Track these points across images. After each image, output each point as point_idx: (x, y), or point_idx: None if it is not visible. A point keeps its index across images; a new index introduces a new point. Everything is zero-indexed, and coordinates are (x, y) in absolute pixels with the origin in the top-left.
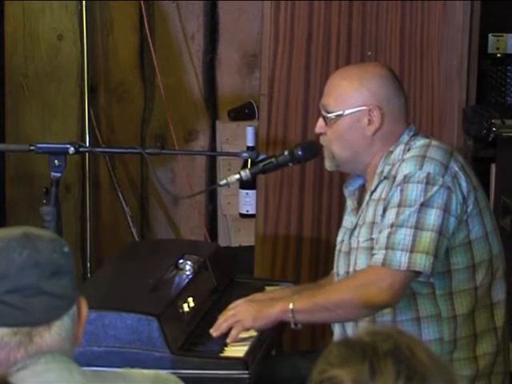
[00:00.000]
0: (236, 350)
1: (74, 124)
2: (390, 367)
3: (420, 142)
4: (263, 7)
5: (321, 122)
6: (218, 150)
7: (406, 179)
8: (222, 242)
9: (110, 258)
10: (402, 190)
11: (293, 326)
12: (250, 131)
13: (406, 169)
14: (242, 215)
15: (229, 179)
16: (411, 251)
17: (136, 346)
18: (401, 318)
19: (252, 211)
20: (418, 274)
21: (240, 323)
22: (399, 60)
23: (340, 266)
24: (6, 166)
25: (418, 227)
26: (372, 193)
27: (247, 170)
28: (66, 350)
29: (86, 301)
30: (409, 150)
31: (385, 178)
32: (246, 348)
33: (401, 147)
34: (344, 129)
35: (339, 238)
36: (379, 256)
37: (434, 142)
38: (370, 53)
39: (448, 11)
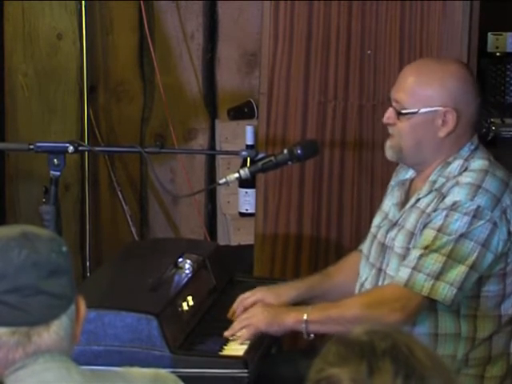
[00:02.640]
0: (235, 349)
1: (73, 123)
2: (388, 366)
3: (479, 163)
4: (263, 6)
5: (391, 112)
6: (218, 148)
7: (455, 206)
8: (222, 240)
9: (110, 257)
10: (446, 216)
11: (305, 336)
12: (249, 130)
13: (458, 195)
14: (242, 214)
15: (228, 178)
16: (437, 278)
17: (135, 345)
18: (419, 331)
19: (251, 210)
20: (437, 302)
21: (253, 326)
22: (399, 59)
23: (372, 255)
24: (5, 165)
25: (451, 257)
26: (419, 199)
27: (247, 169)
28: (65, 350)
29: (84, 300)
30: (466, 169)
31: (435, 190)
32: (245, 347)
33: (459, 162)
34: (417, 127)
35: (376, 222)
36: (404, 275)
37: (491, 168)
38: (369, 52)
39: (447, 10)
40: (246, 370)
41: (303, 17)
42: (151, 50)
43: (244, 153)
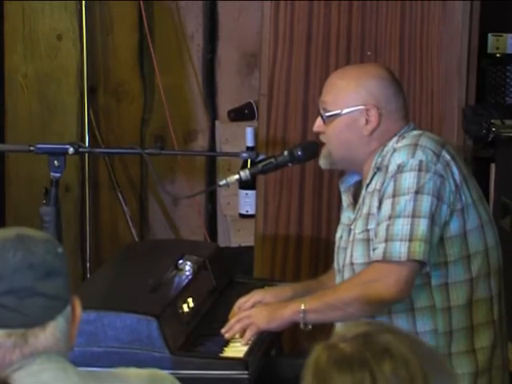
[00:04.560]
0: (236, 351)
1: (73, 124)
2: (387, 372)
3: (412, 133)
4: (263, 7)
5: (319, 120)
6: (218, 150)
7: (400, 169)
8: (222, 242)
9: (110, 258)
10: (395, 180)
11: (302, 326)
12: (249, 131)
13: (399, 158)
14: (242, 215)
15: (228, 179)
16: (410, 240)
17: (135, 346)
18: (395, 308)
19: (252, 211)
20: (421, 264)
21: (254, 325)
22: (399, 60)
23: (339, 262)
24: (5, 167)
25: (414, 215)
26: (367, 186)
27: (247, 170)
28: (62, 351)
29: (83, 301)
30: (402, 139)
31: (378, 169)
32: (245, 348)
33: (394, 139)
34: (341, 128)
35: (338, 235)
36: (379, 250)
37: (426, 133)
38: (369, 53)
39: (447, 11)
40: (246, 372)
41: (303, 18)
42: (151, 50)
43: (244, 154)
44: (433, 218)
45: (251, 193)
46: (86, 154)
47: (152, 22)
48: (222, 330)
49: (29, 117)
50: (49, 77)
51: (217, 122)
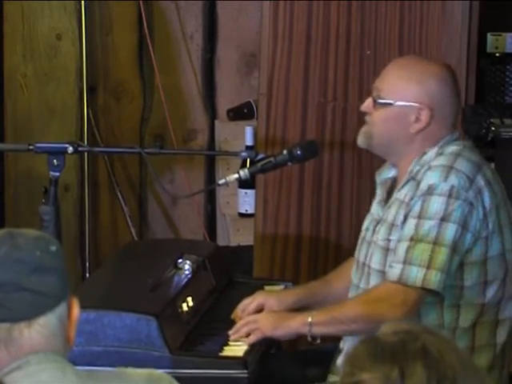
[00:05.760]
0: (235, 350)
1: (72, 124)
2: (419, 371)
3: (452, 148)
4: (262, 7)
5: (369, 101)
6: (217, 149)
7: (430, 190)
8: (221, 241)
9: (109, 257)
10: (424, 201)
11: (309, 338)
12: (248, 131)
13: (432, 178)
14: (241, 215)
15: (228, 179)
16: (428, 268)
17: (135, 345)
18: None
19: (251, 210)
20: (431, 291)
21: (260, 330)
22: None
23: (361, 255)
24: (5, 166)
25: (436, 243)
26: (399, 191)
27: (246, 170)
28: (59, 350)
29: (81, 301)
30: (440, 154)
31: (412, 178)
32: (245, 347)
33: (435, 150)
34: (390, 118)
35: (365, 225)
36: (396, 271)
37: (464, 152)
38: (368, 52)
39: (447, 11)
40: (245, 371)
41: (303, 17)
42: (150, 50)
43: (243, 153)
44: (455, 247)
45: (250, 192)
46: (86, 154)
47: (151, 21)
48: (229, 332)
49: (28, 116)
50: (48, 76)
51: (216, 122)
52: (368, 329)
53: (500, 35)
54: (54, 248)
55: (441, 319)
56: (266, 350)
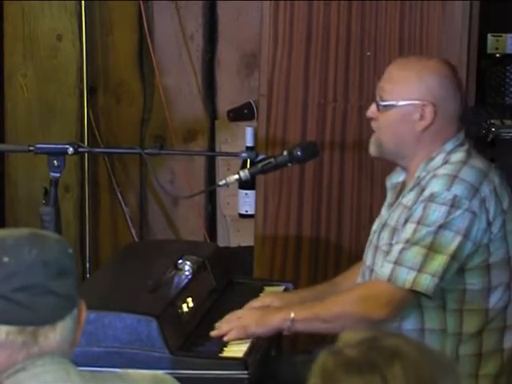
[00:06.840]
0: (235, 351)
1: (73, 124)
2: (399, 374)
3: (458, 155)
4: (262, 7)
5: (373, 107)
6: (217, 150)
7: (432, 198)
8: (221, 242)
9: (109, 258)
10: (425, 208)
11: (286, 332)
12: (249, 131)
13: (435, 186)
14: (241, 215)
15: (228, 179)
16: (419, 271)
17: (135, 346)
18: (405, 326)
19: (251, 211)
20: (419, 294)
21: (241, 327)
22: None
23: (368, 258)
24: (5, 167)
25: (431, 248)
26: (404, 196)
27: (246, 171)
28: (65, 352)
29: (84, 302)
30: (446, 162)
31: (418, 184)
32: (245, 348)
33: (442, 156)
34: (394, 119)
35: (373, 228)
36: (386, 270)
37: (471, 160)
38: (369, 53)
39: (447, 11)
40: (245, 372)
41: (303, 18)
42: (151, 51)
43: (244, 154)
44: (453, 255)
45: (251, 193)
46: (86, 154)
47: (152, 22)
48: (211, 333)
49: (28, 117)
50: (48, 77)
51: (216, 122)
52: (352, 327)
53: (500, 36)
54: (70, 251)
55: (444, 324)
56: (266, 350)
